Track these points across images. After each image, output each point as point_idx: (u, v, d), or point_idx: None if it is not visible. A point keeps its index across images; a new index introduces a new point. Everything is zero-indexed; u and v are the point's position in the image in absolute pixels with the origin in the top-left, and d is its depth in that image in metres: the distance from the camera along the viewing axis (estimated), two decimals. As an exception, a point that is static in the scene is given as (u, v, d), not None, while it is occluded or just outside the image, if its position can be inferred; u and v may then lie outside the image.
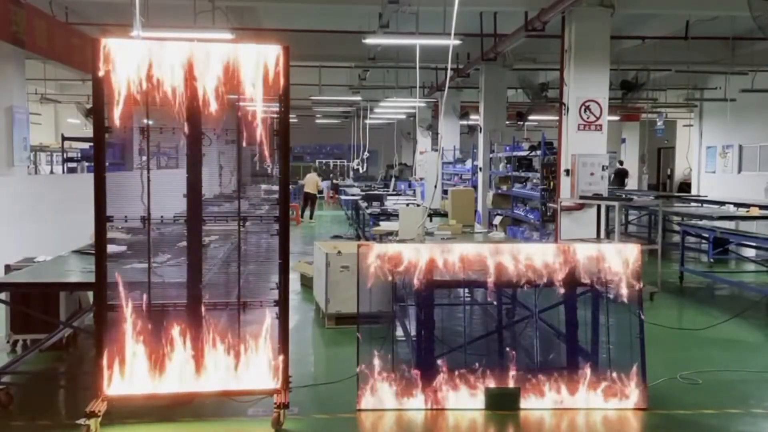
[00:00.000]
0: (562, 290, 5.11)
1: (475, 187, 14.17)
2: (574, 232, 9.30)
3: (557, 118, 9.99)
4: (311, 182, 19.98)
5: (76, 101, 18.29)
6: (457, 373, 5.00)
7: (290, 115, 4.73)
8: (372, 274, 5.01)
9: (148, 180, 4.52)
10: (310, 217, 19.53)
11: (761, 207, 11.57)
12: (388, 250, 5.10)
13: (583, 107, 9.37)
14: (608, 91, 9.55)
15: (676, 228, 13.24)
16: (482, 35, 12.61)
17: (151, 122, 4.53)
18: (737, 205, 13.03)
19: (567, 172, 9.49)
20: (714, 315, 7.99)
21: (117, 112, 4.38)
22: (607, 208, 10.21)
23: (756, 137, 17.99)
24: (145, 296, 4.56)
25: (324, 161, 33.03)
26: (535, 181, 11.62)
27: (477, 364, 5.04)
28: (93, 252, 4.74)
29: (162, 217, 4.67)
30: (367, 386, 4.96)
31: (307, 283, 9.17)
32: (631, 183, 25.26)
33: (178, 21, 10.42)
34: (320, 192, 21.87)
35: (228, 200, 8.05)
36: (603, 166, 9.37)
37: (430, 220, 8.88)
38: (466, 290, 6.52)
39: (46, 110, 22.25)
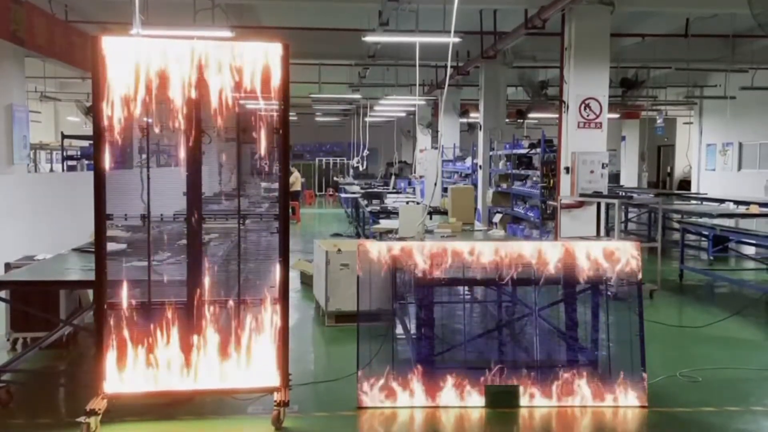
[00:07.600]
0: (562, 288, 5.11)
1: (475, 185, 14.16)
2: (574, 230, 9.29)
3: (557, 115, 9.99)
4: (297, 180, 19.92)
5: (75, 99, 18.23)
6: (457, 370, 5.00)
7: (290, 113, 4.72)
8: (372, 272, 5.02)
9: (148, 178, 4.53)
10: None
11: (761, 205, 11.57)
12: (388, 248, 5.10)
13: (583, 105, 9.36)
14: (608, 89, 9.54)
15: (676, 226, 13.23)
16: (482, 33, 12.61)
17: (150, 120, 4.53)
18: (737, 202, 13.02)
19: (567, 169, 9.48)
20: (714, 313, 8.00)
21: (116, 111, 4.39)
22: (607, 206, 10.23)
23: (756, 135, 17.97)
24: (145, 294, 4.56)
25: (324, 159, 33.01)
26: (534, 179, 11.62)
27: (477, 362, 5.03)
28: (93, 250, 4.74)
29: (162, 215, 4.67)
30: (367, 384, 4.96)
31: (307, 281, 9.17)
32: (631, 181, 25.27)
33: (177, 19, 10.41)
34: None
35: (228, 198, 8.04)
36: (603, 164, 9.37)
37: (430, 218, 8.88)
38: (466, 288, 6.52)
39: (45, 108, 22.21)
